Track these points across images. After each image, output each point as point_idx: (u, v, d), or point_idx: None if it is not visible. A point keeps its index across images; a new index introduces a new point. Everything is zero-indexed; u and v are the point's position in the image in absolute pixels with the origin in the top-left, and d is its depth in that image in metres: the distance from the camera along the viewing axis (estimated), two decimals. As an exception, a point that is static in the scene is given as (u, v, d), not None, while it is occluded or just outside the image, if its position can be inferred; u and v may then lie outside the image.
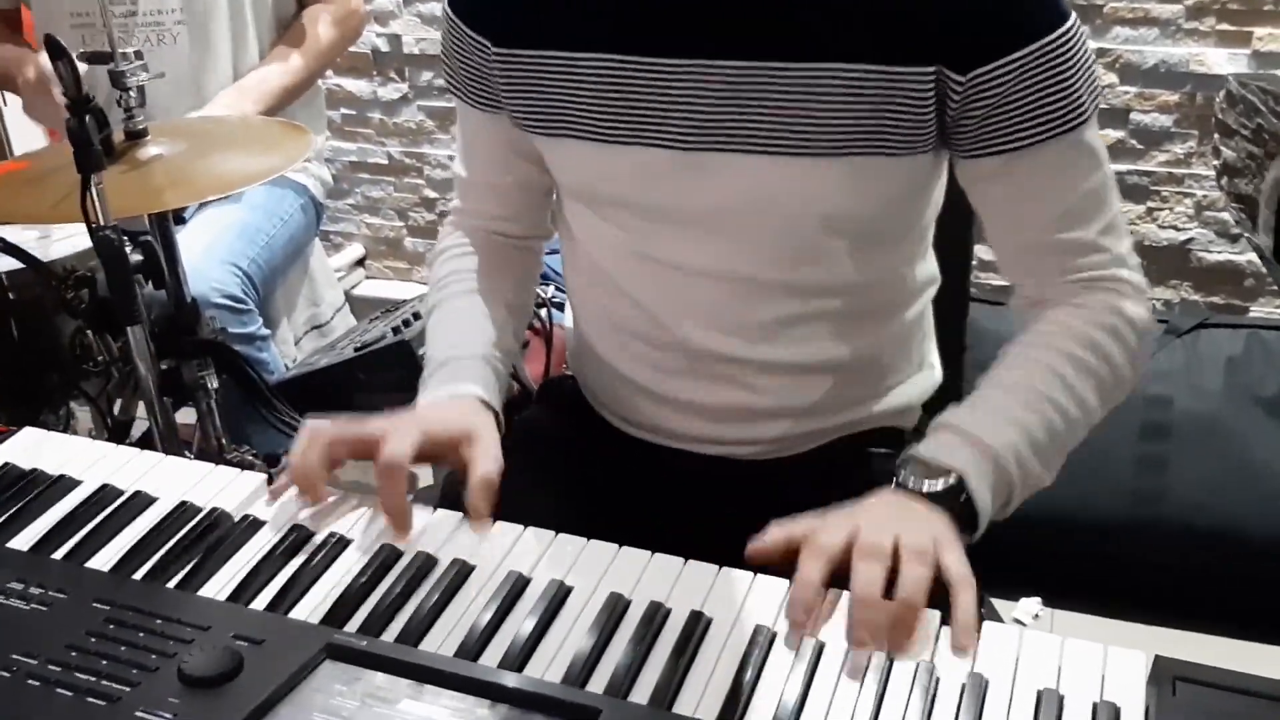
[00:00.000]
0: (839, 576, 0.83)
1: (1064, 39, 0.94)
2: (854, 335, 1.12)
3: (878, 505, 0.90)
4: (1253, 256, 2.51)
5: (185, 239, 1.86)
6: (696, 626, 0.80)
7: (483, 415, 1.04)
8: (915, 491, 0.92)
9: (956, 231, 1.21)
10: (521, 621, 0.81)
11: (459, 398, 1.06)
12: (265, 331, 2.03)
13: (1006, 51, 0.93)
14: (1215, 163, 2.14)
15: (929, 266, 1.17)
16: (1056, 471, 1.00)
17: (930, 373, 1.22)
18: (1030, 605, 2.09)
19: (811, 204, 1.02)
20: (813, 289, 1.08)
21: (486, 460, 0.97)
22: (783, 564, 0.86)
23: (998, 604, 1.16)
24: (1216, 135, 2.11)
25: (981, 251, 1.30)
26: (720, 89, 0.98)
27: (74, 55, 1.35)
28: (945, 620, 0.81)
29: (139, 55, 1.55)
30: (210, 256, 1.94)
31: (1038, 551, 2.09)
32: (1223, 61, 2.41)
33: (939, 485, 0.92)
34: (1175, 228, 2.58)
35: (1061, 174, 0.99)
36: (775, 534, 0.88)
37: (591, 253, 1.15)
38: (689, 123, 1.00)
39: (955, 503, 0.91)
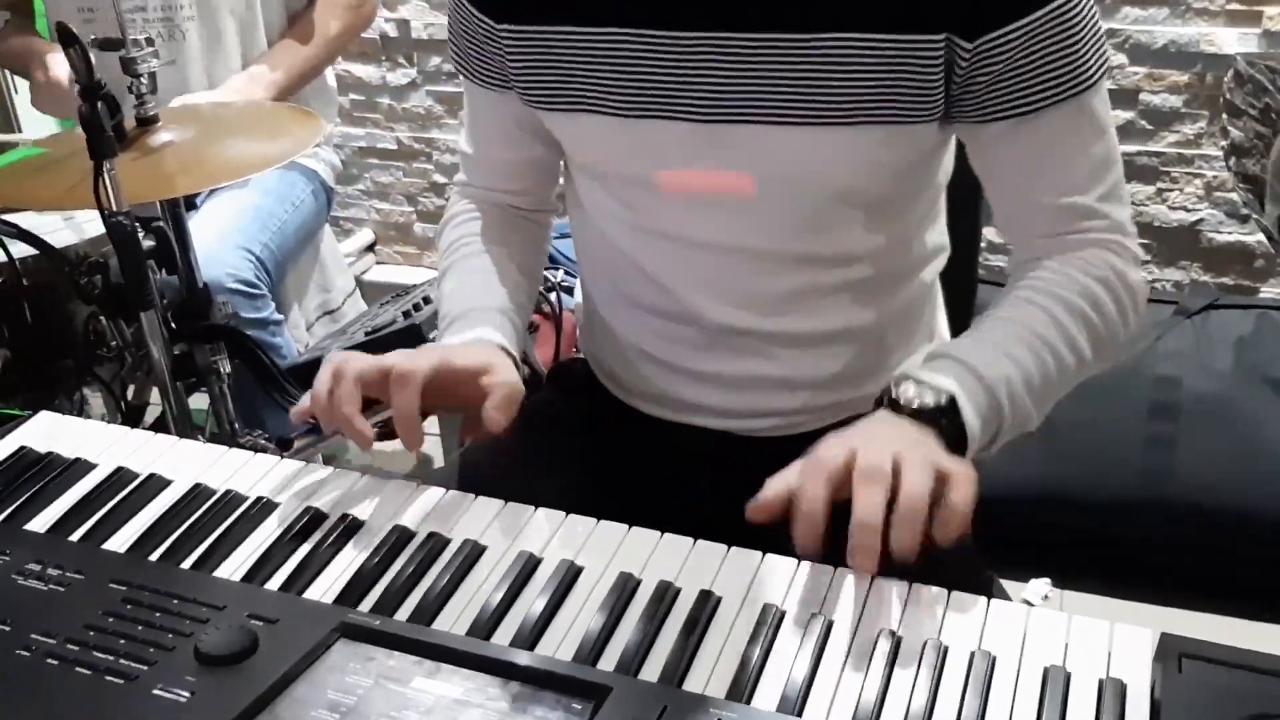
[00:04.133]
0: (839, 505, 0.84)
1: (1070, 4, 0.95)
2: (867, 304, 1.12)
3: (871, 426, 0.89)
4: (1263, 237, 2.50)
5: (198, 224, 1.87)
6: (706, 605, 0.81)
7: (501, 356, 1.05)
8: (906, 409, 0.91)
9: (966, 208, 1.22)
10: (532, 601, 0.82)
11: (477, 341, 1.07)
12: (278, 316, 2.04)
13: (1014, 17, 0.94)
14: (1223, 143, 2.14)
15: (939, 235, 1.18)
16: (1044, 415, 1.00)
17: (941, 344, 1.23)
18: (1039, 586, 2.10)
19: (826, 174, 1.03)
20: (825, 259, 1.09)
21: (505, 381, 1.00)
22: (783, 519, 0.86)
23: (1007, 585, 1.17)
24: (1224, 115, 2.10)
25: (990, 234, 1.30)
26: (735, 61, 0.99)
27: (86, 43, 1.36)
28: (952, 586, 0.82)
29: (150, 42, 1.56)
30: (224, 242, 1.94)
31: (1047, 532, 2.10)
32: (1233, 41, 2.40)
33: (929, 401, 0.91)
34: (1185, 208, 2.58)
35: (1066, 139, 1.00)
36: (775, 487, 0.87)
37: (603, 228, 1.15)
38: (705, 95, 1.01)
39: (944, 423, 0.91)
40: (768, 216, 1.06)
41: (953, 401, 0.91)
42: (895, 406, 0.92)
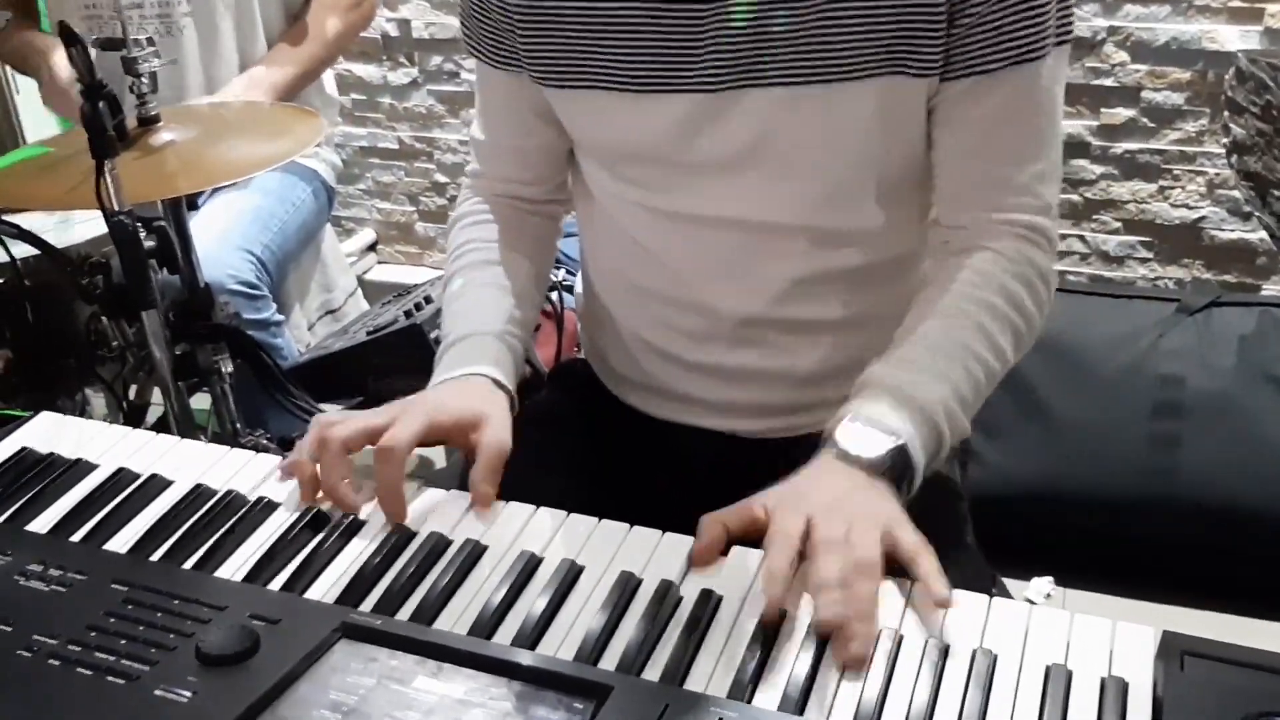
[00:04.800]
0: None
1: None
2: (873, 290, 1.12)
3: (824, 486, 0.89)
4: (1264, 234, 2.50)
5: (199, 225, 1.87)
6: (707, 605, 0.81)
7: (494, 398, 1.05)
8: (856, 458, 0.92)
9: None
10: (534, 601, 0.82)
11: (472, 378, 1.06)
12: (279, 317, 2.05)
13: None
14: (1225, 140, 2.13)
15: None
16: (971, 418, 1.01)
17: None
18: (1042, 585, 2.10)
19: (835, 135, 1.03)
20: (835, 238, 1.09)
21: (493, 442, 0.98)
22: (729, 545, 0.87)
23: (1010, 584, 1.16)
24: (1226, 113, 2.10)
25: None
26: (743, 27, 0.99)
27: (87, 42, 1.36)
28: (954, 584, 0.82)
29: (150, 42, 1.56)
30: (225, 243, 1.95)
31: (1050, 531, 2.10)
32: (1235, 38, 2.40)
33: (882, 450, 0.92)
34: (1187, 206, 2.57)
35: (1014, 110, 1.01)
36: (716, 529, 0.87)
37: (610, 213, 1.15)
38: (715, 64, 1.01)
39: (894, 465, 0.92)
40: (778, 187, 1.06)
41: (903, 446, 0.92)
42: (844, 455, 0.92)
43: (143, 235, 1.46)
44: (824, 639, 0.78)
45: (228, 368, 1.69)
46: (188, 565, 0.88)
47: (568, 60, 1.06)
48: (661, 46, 1.02)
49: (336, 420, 0.97)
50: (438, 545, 0.88)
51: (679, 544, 0.87)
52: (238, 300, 1.88)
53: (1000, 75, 0.99)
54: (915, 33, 0.97)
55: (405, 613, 0.82)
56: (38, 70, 2.04)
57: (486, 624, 0.80)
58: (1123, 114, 2.52)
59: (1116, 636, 0.77)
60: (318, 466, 0.95)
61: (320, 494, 0.95)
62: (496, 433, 0.99)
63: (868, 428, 0.93)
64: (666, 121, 1.05)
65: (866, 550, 0.83)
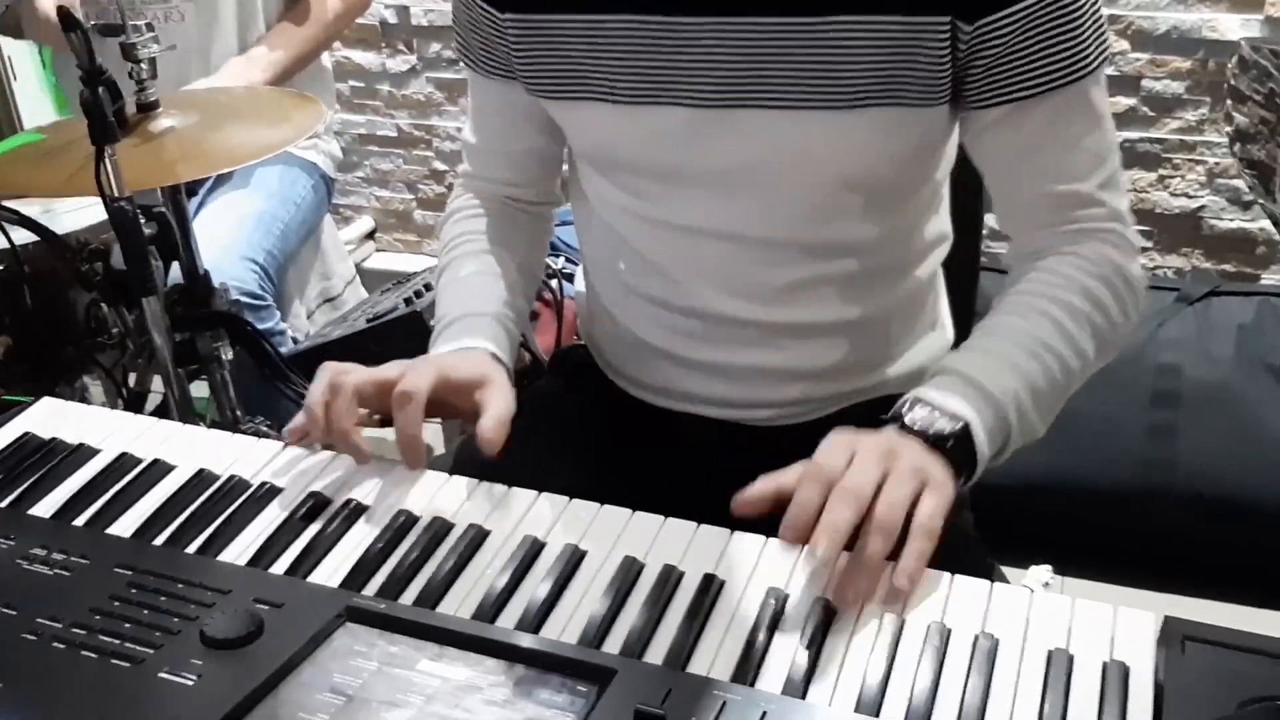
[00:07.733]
0: None
1: None
2: (869, 294, 1.12)
3: (879, 439, 0.88)
4: (1265, 224, 2.50)
5: (201, 230, 1.86)
6: (709, 589, 0.81)
7: (497, 368, 1.05)
8: (919, 435, 0.91)
9: (967, 196, 1.22)
10: (537, 585, 0.82)
11: (471, 350, 1.07)
12: (283, 326, 2.05)
13: (1012, 0, 0.94)
14: (1228, 129, 2.13)
15: (942, 224, 1.18)
16: (1050, 422, 1.00)
17: (943, 333, 1.23)
18: (1040, 573, 2.10)
19: (831, 159, 1.03)
20: (828, 249, 1.09)
21: (501, 398, 0.99)
22: (769, 515, 0.87)
23: (1008, 572, 1.17)
24: (1229, 101, 2.10)
25: (992, 220, 1.30)
26: (740, 46, 0.99)
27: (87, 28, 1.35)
28: (958, 569, 0.82)
29: (150, 28, 1.55)
30: (229, 253, 1.94)
31: (1048, 519, 2.10)
32: (1235, 27, 2.39)
33: (946, 430, 0.91)
34: (1187, 195, 2.57)
35: (1063, 127, 1.00)
36: (764, 485, 0.87)
37: (606, 218, 1.15)
38: (710, 80, 1.01)
39: (958, 449, 0.91)
40: (772, 204, 1.06)
41: (966, 428, 0.91)
42: (906, 429, 0.91)
43: (142, 222, 1.46)
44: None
45: (227, 355, 1.69)
46: (191, 549, 0.88)
47: (561, 72, 1.06)
48: (652, 58, 1.02)
49: (347, 368, 0.99)
50: (441, 530, 0.88)
51: (681, 529, 0.88)
52: (242, 311, 1.87)
53: (1042, 98, 0.97)
54: (916, 67, 0.97)
55: (409, 597, 0.82)
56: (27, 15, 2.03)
57: (490, 608, 0.80)
58: (1123, 102, 2.52)
59: (1118, 622, 0.77)
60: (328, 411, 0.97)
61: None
62: (504, 392, 1.01)
63: (932, 410, 0.92)
64: (658, 133, 1.04)
65: (896, 491, 0.83)
